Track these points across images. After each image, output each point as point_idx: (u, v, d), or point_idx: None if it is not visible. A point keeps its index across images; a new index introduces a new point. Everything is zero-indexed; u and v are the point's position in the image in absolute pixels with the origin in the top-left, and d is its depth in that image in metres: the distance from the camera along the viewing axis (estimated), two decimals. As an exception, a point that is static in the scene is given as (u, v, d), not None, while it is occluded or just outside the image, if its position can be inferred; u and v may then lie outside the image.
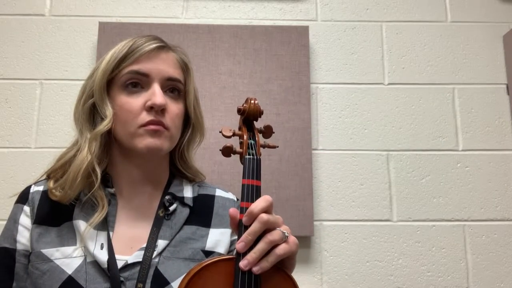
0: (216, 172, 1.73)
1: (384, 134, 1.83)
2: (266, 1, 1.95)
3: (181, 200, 1.00)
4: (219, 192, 1.08)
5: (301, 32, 1.87)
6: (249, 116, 0.91)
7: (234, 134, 0.89)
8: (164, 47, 0.99)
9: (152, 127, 0.92)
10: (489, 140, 1.83)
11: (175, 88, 0.98)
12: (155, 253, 0.90)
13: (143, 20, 1.88)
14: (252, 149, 0.87)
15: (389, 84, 1.88)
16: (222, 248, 0.98)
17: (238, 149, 0.88)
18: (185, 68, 1.02)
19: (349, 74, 1.89)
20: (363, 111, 1.85)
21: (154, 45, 0.96)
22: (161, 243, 0.92)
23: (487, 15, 1.94)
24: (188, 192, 1.02)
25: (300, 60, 1.85)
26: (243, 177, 0.82)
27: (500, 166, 1.81)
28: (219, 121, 1.77)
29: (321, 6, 1.95)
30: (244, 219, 0.77)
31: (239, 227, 0.78)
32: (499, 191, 1.79)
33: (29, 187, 0.99)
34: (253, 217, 0.76)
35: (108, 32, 1.82)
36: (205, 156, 1.70)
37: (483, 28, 1.93)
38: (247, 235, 0.75)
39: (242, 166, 0.86)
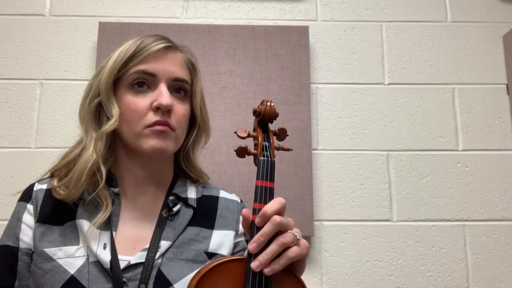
0: (216, 172, 1.73)
1: (384, 134, 1.83)
2: (266, 1, 1.94)
3: (185, 201, 0.99)
4: (223, 194, 1.07)
5: (301, 32, 1.87)
6: (264, 118, 0.91)
7: (249, 135, 0.89)
8: (171, 47, 0.98)
9: (158, 127, 0.91)
10: (489, 140, 1.83)
11: (182, 88, 0.98)
12: (158, 254, 0.89)
13: (143, 20, 1.88)
14: (266, 151, 0.87)
15: (389, 84, 1.88)
16: (225, 250, 0.98)
17: (252, 150, 0.87)
18: (192, 68, 1.02)
19: (349, 74, 1.89)
20: (363, 111, 1.85)
21: (162, 45, 0.95)
22: (164, 244, 0.91)
23: (487, 15, 1.95)
24: (192, 193, 1.02)
25: (300, 60, 1.85)
26: (257, 178, 0.82)
27: (500, 166, 1.81)
28: (219, 121, 1.77)
29: (321, 6, 1.95)
30: (257, 220, 0.77)
31: (251, 228, 0.78)
32: (499, 191, 1.79)
33: (32, 185, 0.99)
34: (266, 219, 0.76)
35: (108, 32, 1.82)
36: (205, 156, 1.69)
37: (483, 28, 1.93)
38: (259, 236, 0.75)
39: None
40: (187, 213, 0.98)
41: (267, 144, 0.89)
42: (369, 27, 1.93)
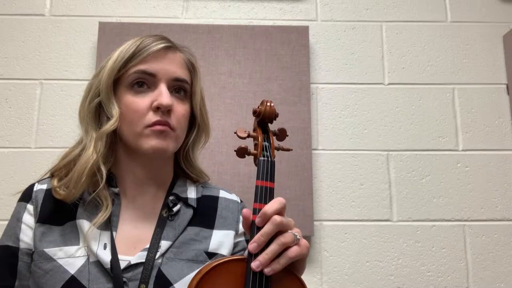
0: (216, 172, 1.72)
1: (384, 134, 1.83)
2: (266, 1, 1.94)
3: (185, 201, 0.99)
4: (222, 194, 1.07)
5: (301, 32, 1.87)
6: (264, 118, 0.91)
7: (249, 136, 0.89)
8: (171, 47, 0.98)
9: (158, 127, 0.91)
10: (489, 140, 1.83)
11: (182, 88, 0.98)
12: (158, 254, 0.89)
13: (143, 20, 1.88)
14: (266, 151, 0.87)
15: (389, 84, 1.88)
16: (225, 250, 0.98)
17: (252, 150, 0.88)
18: (192, 68, 1.02)
19: (349, 74, 1.89)
20: (363, 111, 1.85)
21: (162, 45, 0.96)
22: (164, 244, 0.91)
23: (487, 15, 1.95)
24: (192, 193, 1.02)
25: (300, 60, 1.85)
26: (257, 178, 0.82)
27: (500, 166, 1.81)
28: (219, 121, 1.77)
29: (321, 6, 1.95)
30: (257, 220, 0.77)
31: (251, 228, 0.78)
32: (499, 191, 1.79)
33: (32, 185, 0.99)
34: (267, 219, 0.76)
35: (108, 32, 1.82)
36: (205, 156, 1.69)
37: (483, 28, 1.93)
38: (260, 236, 0.75)
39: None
40: (187, 213, 0.98)
41: (267, 144, 0.89)
42: (369, 27, 1.93)
